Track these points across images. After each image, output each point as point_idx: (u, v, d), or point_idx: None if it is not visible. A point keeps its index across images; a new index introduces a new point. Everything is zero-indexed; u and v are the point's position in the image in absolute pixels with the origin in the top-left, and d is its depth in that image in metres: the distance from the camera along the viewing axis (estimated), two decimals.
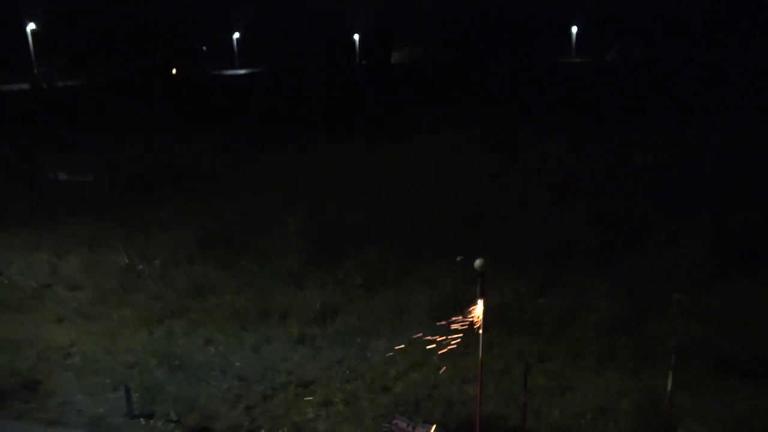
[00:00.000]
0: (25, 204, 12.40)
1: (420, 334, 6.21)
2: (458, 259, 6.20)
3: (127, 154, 16.62)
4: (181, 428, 5.29)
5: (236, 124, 22.56)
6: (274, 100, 34.48)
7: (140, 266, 9.23)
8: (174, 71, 76.97)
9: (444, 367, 5.86)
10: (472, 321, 4.89)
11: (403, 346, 6.21)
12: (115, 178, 14.76)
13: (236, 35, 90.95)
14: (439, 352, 5.92)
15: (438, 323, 5.76)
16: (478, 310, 4.82)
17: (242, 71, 75.64)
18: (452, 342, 5.53)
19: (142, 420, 5.45)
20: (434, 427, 5.02)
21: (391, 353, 6.25)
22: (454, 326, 4.95)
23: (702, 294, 6.91)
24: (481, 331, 4.76)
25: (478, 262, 4.65)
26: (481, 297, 4.70)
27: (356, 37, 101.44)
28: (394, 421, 5.14)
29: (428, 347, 5.98)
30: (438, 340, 5.74)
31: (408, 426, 5.08)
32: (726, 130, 15.39)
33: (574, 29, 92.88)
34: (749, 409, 5.13)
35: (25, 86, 34.24)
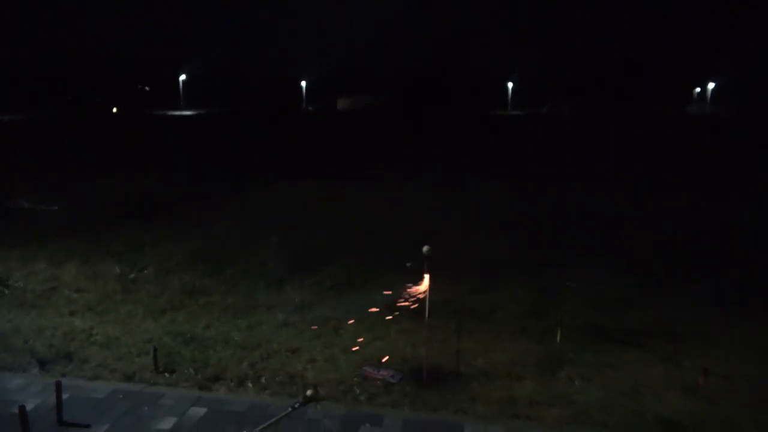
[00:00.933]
0: (1, 227, 13.59)
1: (378, 309, 8.10)
2: (408, 265, 7.98)
3: (86, 187, 17.97)
4: (199, 379, 6.85)
5: (189, 161, 24.27)
6: (227, 140, 36.22)
7: (132, 275, 10.69)
8: (114, 110, 76.79)
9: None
10: (419, 293, 6.84)
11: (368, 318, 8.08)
12: (84, 206, 16.01)
13: (182, 77, 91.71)
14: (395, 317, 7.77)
15: (395, 299, 7.54)
16: (424, 284, 6.79)
17: (188, 112, 76.45)
18: (407, 308, 7.36)
19: (166, 374, 6.99)
20: (393, 372, 6.88)
21: (359, 331, 8.07)
22: (411, 290, 6.80)
23: (593, 286, 9.20)
24: (427, 298, 6.71)
25: (425, 248, 6.65)
26: (426, 273, 6.68)
27: (303, 83, 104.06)
28: (365, 369, 6.97)
29: (387, 319, 7.88)
30: (400, 304, 7.47)
31: (374, 371, 6.91)
32: (637, 175, 19.07)
33: (510, 85, 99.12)
34: (614, 360, 7.24)
35: None
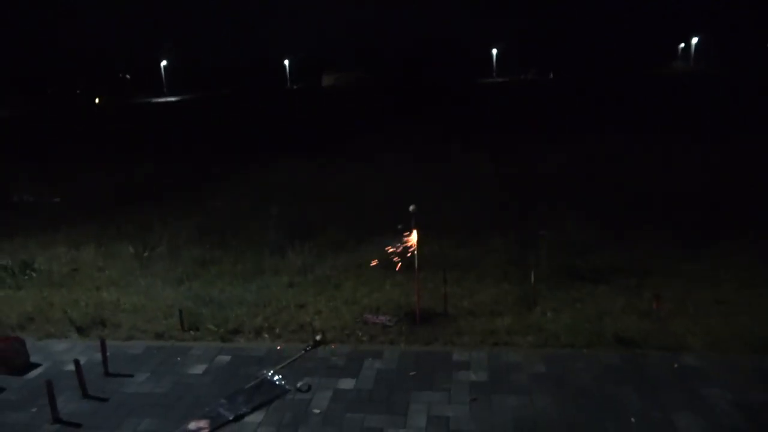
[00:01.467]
0: (13, 219, 14.39)
1: (375, 262, 9.09)
2: (399, 226, 8.88)
3: (83, 178, 18.76)
4: (222, 332, 7.84)
5: (180, 147, 25.11)
6: (215, 124, 36.80)
7: (146, 254, 11.59)
8: (97, 100, 76.34)
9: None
10: (408, 246, 7.81)
11: (365, 275, 9.10)
12: (85, 196, 16.78)
13: (164, 63, 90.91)
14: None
15: (386, 249, 8.47)
16: (413, 238, 7.76)
17: (172, 98, 76.19)
18: (399, 262, 8.32)
19: (191, 332, 7.97)
20: (390, 317, 7.90)
21: (357, 286, 9.06)
22: (405, 240, 7.76)
23: (565, 236, 10.23)
24: (416, 252, 7.69)
25: (411, 207, 7.61)
26: (414, 228, 7.65)
27: (286, 62, 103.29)
28: (365, 316, 7.98)
29: (382, 273, 8.88)
30: (394, 256, 8.41)
31: (373, 317, 7.93)
32: (614, 141, 20.12)
33: (494, 51, 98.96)
34: (582, 295, 8.28)
35: None
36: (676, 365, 6.45)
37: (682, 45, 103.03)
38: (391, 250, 8.11)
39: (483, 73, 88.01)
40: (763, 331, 6.90)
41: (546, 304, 8.06)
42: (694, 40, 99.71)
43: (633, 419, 5.56)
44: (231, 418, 5.95)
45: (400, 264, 8.44)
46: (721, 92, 40.05)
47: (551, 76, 79.69)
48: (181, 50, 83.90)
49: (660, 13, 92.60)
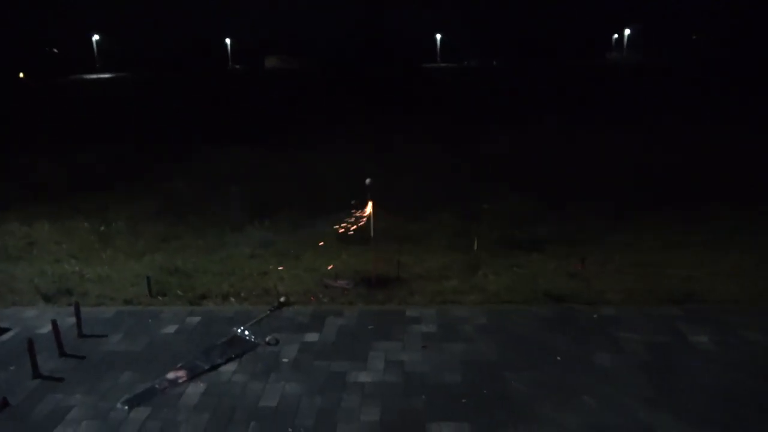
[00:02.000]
0: None
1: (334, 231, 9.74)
2: (353, 202, 9.33)
3: (17, 163, 18.34)
4: (190, 297, 8.33)
5: (121, 130, 24.76)
6: (156, 105, 36.08)
7: (102, 228, 11.79)
8: (21, 75, 71.93)
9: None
10: (364, 216, 8.54)
11: (322, 243, 9.80)
12: (31, 180, 16.38)
13: (95, 37, 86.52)
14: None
15: (342, 222, 9.17)
16: (368, 209, 8.49)
17: (105, 75, 72.91)
18: (355, 232, 9.03)
19: (159, 297, 8.41)
20: (348, 280, 8.62)
21: (316, 256, 9.71)
22: (358, 213, 8.48)
23: (507, 210, 11.25)
24: (372, 223, 8.43)
25: (367, 180, 8.32)
26: (370, 200, 8.38)
27: (228, 41, 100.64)
28: (325, 280, 8.67)
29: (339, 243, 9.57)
30: (351, 226, 9.11)
31: (333, 281, 8.63)
32: (553, 126, 21.60)
33: (438, 37, 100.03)
34: (520, 261, 9.28)
35: None
36: (596, 316, 7.49)
37: (616, 36, 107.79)
38: (347, 223, 8.81)
39: (428, 59, 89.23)
40: (670, 286, 8.08)
41: (488, 269, 8.99)
42: (627, 32, 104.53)
43: (559, 358, 6.52)
44: (207, 368, 6.52)
45: (354, 231, 9.12)
46: (651, 81, 42.77)
47: (494, 63, 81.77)
48: (115, 25, 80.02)
49: (595, 6, 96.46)
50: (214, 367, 6.55)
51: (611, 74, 52.95)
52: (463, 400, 5.83)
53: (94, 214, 12.64)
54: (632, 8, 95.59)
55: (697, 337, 6.88)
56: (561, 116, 24.89)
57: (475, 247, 9.04)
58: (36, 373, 6.50)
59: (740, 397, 5.69)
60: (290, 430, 5.47)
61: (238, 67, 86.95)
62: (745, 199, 12.04)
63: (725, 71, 47.33)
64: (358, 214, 8.58)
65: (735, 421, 5.37)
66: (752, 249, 9.29)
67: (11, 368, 6.67)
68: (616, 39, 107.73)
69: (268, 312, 7.83)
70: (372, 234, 8.57)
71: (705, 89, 36.00)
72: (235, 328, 7.35)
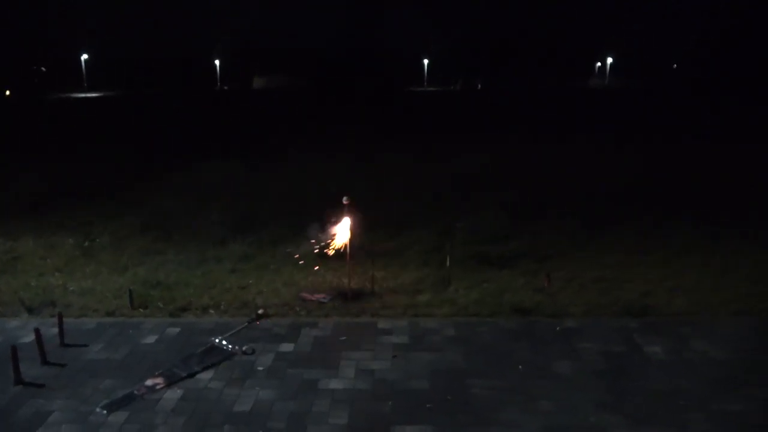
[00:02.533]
0: None
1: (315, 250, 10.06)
2: (344, 198, 9.48)
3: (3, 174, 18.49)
4: (170, 309, 8.61)
5: (107, 146, 25.06)
6: (144, 123, 36.38)
7: (86, 243, 12.03)
8: (7, 93, 71.72)
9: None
10: (341, 232, 8.91)
11: (302, 261, 10.11)
12: (14, 194, 16.53)
13: (84, 56, 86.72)
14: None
15: (321, 240, 9.53)
16: (345, 225, 8.86)
17: (94, 94, 73.13)
18: (331, 249, 9.38)
19: (141, 309, 8.68)
20: (324, 294, 8.95)
21: (294, 271, 10.04)
22: (332, 233, 8.86)
23: (479, 227, 11.71)
24: (348, 240, 8.80)
25: (344, 198, 8.72)
26: (347, 216, 8.76)
27: (217, 62, 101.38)
28: (302, 294, 9.00)
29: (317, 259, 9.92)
30: (326, 250, 9.49)
31: (309, 294, 8.96)
32: (528, 145, 22.28)
33: (426, 62, 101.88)
34: (490, 277, 9.68)
35: None
36: (558, 328, 7.89)
37: (599, 64, 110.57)
38: (325, 242, 9.18)
39: (415, 83, 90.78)
40: (629, 300, 8.53)
41: (459, 284, 9.38)
42: (609, 60, 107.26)
43: (521, 366, 6.89)
44: (185, 375, 6.80)
45: (332, 250, 9.46)
46: (629, 104, 44.01)
47: (479, 86, 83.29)
48: (104, 44, 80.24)
49: (578, 34, 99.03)
50: (192, 375, 6.83)
51: (589, 96, 54.29)
52: (428, 405, 6.16)
53: (78, 228, 12.87)
54: (616, 37, 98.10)
55: (651, 347, 7.29)
56: (536, 135, 25.67)
57: (448, 264, 9.42)
58: (18, 380, 6.73)
59: (684, 400, 6.10)
60: None
61: (226, 87, 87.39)
62: (706, 215, 12.63)
63: (702, 92, 48.90)
64: (335, 232, 8.95)
65: (677, 421, 5.77)
66: (710, 264, 9.78)
67: None
68: (599, 66, 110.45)
69: (246, 324, 8.13)
70: (349, 250, 8.94)
71: (682, 108, 37.28)
72: (213, 338, 7.64)
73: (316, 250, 9.87)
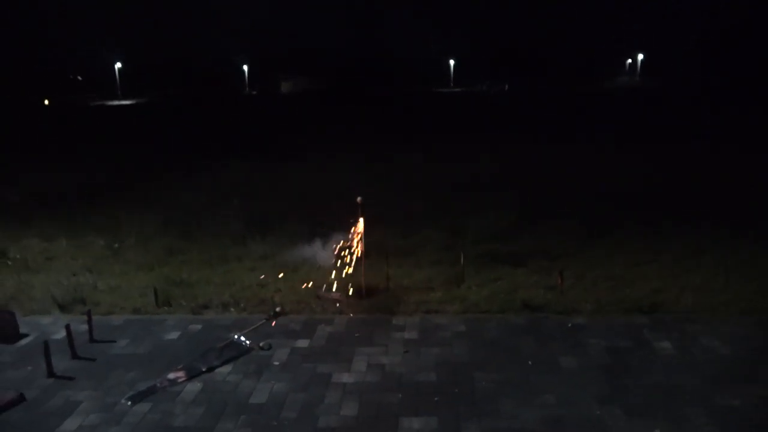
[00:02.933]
0: None
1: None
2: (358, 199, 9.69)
3: (38, 177, 19.27)
4: (192, 307, 9.00)
5: (138, 149, 25.81)
6: (174, 127, 37.28)
7: (116, 245, 12.54)
8: (46, 102, 74.27)
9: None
10: (357, 233, 9.18)
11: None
12: (44, 194, 17.26)
13: (118, 65, 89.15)
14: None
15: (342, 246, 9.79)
16: (360, 226, 9.14)
17: (127, 102, 75.10)
18: (353, 248, 9.63)
19: (165, 307, 9.09)
20: (340, 293, 9.23)
21: (312, 270, 10.34)
22: (352, 231, 9.13)
23: (490, 226, 11.87)
24: (363, 238, 9.07)
25: (359, 198, 9.00)
26: (361, 215, 9.03)
27: (245, 67, 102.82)
28: (318, 292, 9.30)
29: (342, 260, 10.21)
30: (343, 254, 9.76)
31: (326, 293, 9.25)
32: (546, 147, 22.31)
33: (452, 62, 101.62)
34: (502, 275, 9.83)
35: None
36: (570, 325, 8.02)
37: (629, 61, 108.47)
38: (342, 242, 9.46)
39: (441, 83, 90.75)
40: (639, 298, 8.61)
41: (471, 281, 9.57)
42: (640, 57, 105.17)
43: (530, 362, 7.06)
44: (204, 369, 7.15)
45: (348, 257, 9.65)
46: (655, 105, 43.31)
47: (506, 87, 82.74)
48: (137, 52, 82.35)
49: (609, 32, 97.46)
50: (211, 369, 7.18)
51: (606, 97, 53.58)
52: (435, 398, 6.38)
53: (107, 229, 13.40)
54: (646, 36, 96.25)
55: (659, 343, 7.38)
56: (557, 139, 25.53)
57: (462, 262, 9.60)
58: (50, 373, 7.18)
59: (686, 394, 6.20)
60: (275, 422, 6.06)
61: (254, 92, 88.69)
62: (716, 219, 12.47)
63: (721, 94, 47.98)
64: (351, 233, 9.22)
65: (675, 414, 5.88)
66: (719, 265, 9.74)
67: (29, 368, 7.36)
68: (629, 64, 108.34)
69: (264, 320, 8.46)
70: (363, 248, 9.20)
71: (684, 109, 36.71)
72: (232, 334, 7.98)
73: (336, 251, 10.03)
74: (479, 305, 8.67)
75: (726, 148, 21.56)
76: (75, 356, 7.62)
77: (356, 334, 7.97)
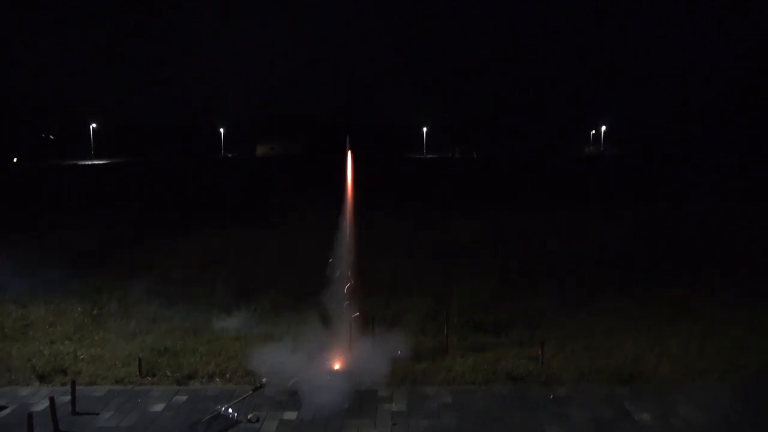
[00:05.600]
0: None
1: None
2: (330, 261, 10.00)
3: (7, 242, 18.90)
4: (177, 377, 8.93)
5: (115, 212, 25.74)
6: (150, 190, 37.25)
7: (95, 311, 12.40)
8: (15, 160, 73.38)
9: None
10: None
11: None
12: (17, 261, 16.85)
13: (93, 125, 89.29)
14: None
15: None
16: (346, 295, 9.35)
17: (100, 161, 74.86)
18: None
19: (149, 377, 9.00)
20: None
21: (296, 340, 10.39)
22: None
23: (472, 294, 12.19)
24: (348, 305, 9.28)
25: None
26: (347, 284, 9.27)
27: (221, 130, 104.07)
28: (306, 364, 9.34)
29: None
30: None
31: (313, 364, 9.29)
32: (521, 213, 23.01)
33: (425, 130, 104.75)
34: (485, 344, 10.06)
35: None
36: (551, 396, 8.22)
37: (593, 132, 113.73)
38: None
39: (414, 149, 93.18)
40: (616, 368, 8.90)
41: (456, 352, 9.75)
42: (603, 128, 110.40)
43: None
44: None
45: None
46: (618, 171, 45.38)
47: (475, 155, 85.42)
48: (112, 112, 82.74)
49: (574, 105, 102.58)
50: None
51: (580, 164, 55.90)
52: None
53: (87, 295, 13.23)
54: (609, 109, 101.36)
55: (640, 414, 7.63)
56: (530, 205, 26.41)
57: (445, 332, 9.83)
58: None
59: None
60: None
61: (230, 155, 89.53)
62: (692, 283, 13.07)
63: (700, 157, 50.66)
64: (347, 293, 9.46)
65: None
66: (695, 331, 10.17)
67: None
68: (593, 134, 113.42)
69: (251, 392, 8.45)
70: (352, 320, 9.38)
71: (679, 176, 38.53)
72: (219, 406, 7.94)
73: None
74: (465, 375, 8.84)
75: (688, 207, 22.67)
76: (57, 430, 7.47)
77: (344, 406, 8.01)
